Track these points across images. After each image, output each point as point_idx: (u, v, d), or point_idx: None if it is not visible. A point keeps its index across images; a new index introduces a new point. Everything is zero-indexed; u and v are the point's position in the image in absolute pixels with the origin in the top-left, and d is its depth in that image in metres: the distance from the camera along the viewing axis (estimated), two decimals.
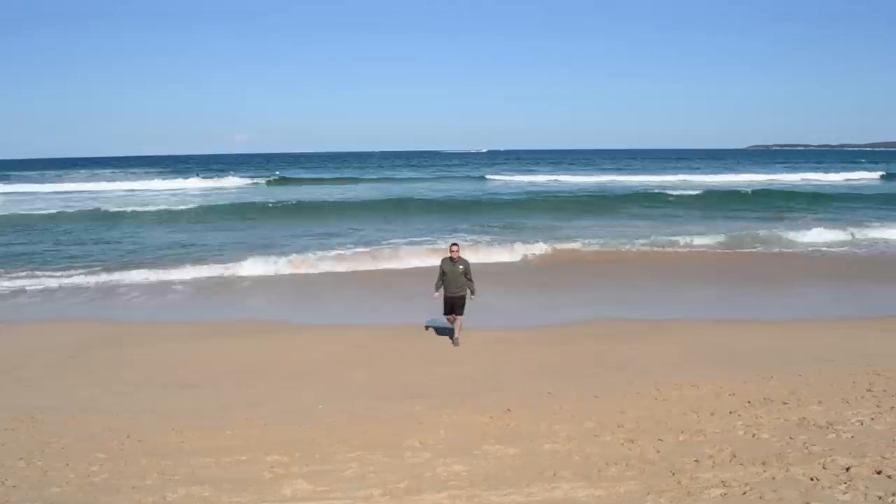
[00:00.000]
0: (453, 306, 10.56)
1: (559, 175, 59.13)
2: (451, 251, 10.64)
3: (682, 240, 20.41)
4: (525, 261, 18.38)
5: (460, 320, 10.63)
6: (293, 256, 17.97)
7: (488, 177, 56.84)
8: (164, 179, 53.58)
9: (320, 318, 12.20)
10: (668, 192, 38.35)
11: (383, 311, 12.83)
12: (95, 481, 5.57)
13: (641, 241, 20.12)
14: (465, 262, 10.63)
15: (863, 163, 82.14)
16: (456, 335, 10.59)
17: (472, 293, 10.64)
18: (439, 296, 10.69)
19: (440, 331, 11.18)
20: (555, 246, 19.36)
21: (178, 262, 17.78)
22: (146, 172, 68.87)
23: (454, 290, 10.52)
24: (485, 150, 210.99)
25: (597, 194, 37.95)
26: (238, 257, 17.72)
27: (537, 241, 19.66)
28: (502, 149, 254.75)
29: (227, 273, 16.59)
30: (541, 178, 55.19)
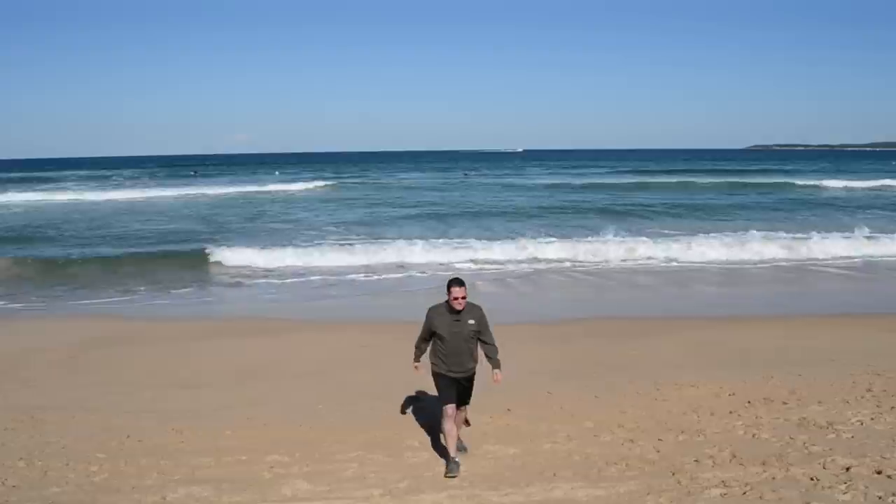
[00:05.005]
0: (457, 391, 5.92)
1: (690, 178, 48.95)
2: (453, 295, 5.70)
3: None
4: None
5: (464, 417, 6.20)
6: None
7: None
8: (240, 186, 48.61)
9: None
10: None
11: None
12: (95, 481, 5.58)
13: None
14: (479, 313, 5.87)
15: None
16: (452, 455, 5.76)
17: (495, 364, 5.92)
18: (421, 367, 6.20)
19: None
20: None
21: None
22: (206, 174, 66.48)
23: (460, 365, 5.83)
24: (520, 150, 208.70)
25: None
26: None
27: None
28: (537, 148, 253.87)
29: None
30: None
